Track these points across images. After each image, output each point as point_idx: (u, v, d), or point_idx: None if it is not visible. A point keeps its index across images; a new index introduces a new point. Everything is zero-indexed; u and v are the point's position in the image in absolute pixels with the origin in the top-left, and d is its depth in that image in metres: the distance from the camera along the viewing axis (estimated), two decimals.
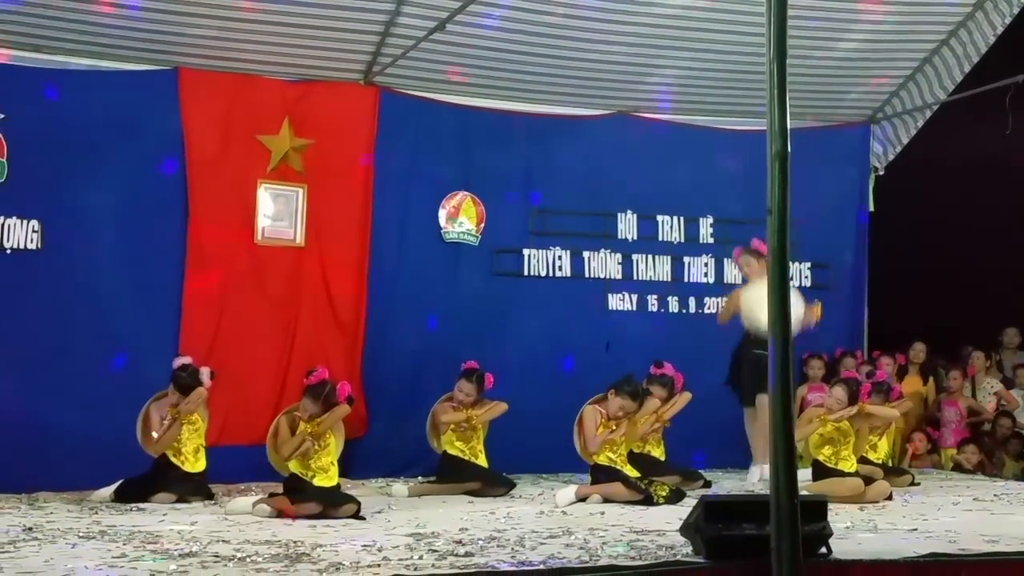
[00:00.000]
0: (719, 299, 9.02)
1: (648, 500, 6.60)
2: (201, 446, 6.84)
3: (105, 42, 7.30)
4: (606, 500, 6.66)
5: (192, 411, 6.76)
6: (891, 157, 9.58)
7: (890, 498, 6.91)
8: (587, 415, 6.97)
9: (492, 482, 7.19)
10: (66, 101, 7.25)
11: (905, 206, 9.47)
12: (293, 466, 6.18)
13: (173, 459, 6.72)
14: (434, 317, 8.24)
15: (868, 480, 6.96)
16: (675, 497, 6.71)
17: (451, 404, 7.31)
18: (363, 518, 5.94)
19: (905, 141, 9.46)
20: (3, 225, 7.08)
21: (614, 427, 6.90)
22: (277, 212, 7.87)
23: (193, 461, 6.77)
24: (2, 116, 7.09)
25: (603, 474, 6.86)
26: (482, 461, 7.31)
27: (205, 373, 6.83)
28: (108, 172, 7.34)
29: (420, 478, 7.57)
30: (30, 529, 5.36)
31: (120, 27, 7.19)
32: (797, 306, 6.51)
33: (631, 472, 6.92)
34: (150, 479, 6.65)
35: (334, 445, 6.29)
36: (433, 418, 7.34)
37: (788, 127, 4.05)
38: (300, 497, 6.02)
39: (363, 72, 8.05)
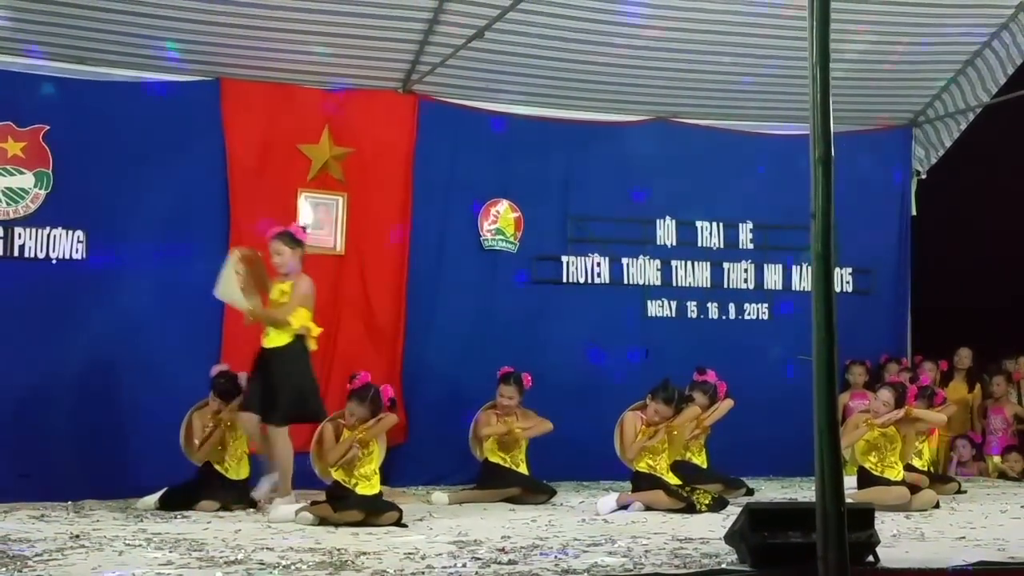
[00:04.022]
0: (760, 305, 8.99)
1: (690, 508, 6.56)
2: (244, 454, 6.88)
3: (148, 54, 7.38)
4: (647, 508, 6.63)
5: (234, 418, 6.80)
6: (933, 160, 9.50)
7: (937, 506, 6.83)
8: (627, 421, 6.95)
9: (533, 489, 7.19)
10: (110, 112, 7.34)
11: (948, 210, 9.36)
12: (336, 474, 6.20)
13: (217, 467, 6.77)
14: (473, 324, 8.24)
15: (914, 488, 6.88)
16: (718, 505, 6.66)
17: (495, 411, 7.31)
18: (405, 526, 5.95)
19: (948, 144, 9.38)
20: (49, 235, 7.18)
21: (652, 433, 6.87)
22: (317, 220, 7.91)
23: (236, 469, 6.82)
24: (48, 127, 7.19)
25: (645, 482, 6.83)
26: (523, 469, 7.31)
27: (244, 379, 6.87)
28: (151, 182, 7.41)
29: (460, 486, 7.58)
30: (77, 536, 5.41)
31: (163, 39, 7.26)
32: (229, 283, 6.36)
33: (673, 480, 6.88)
34: (194, 487, 6.69)
35: (377, 453, 6.31)
36: (476, 427, 7.34)
37: (831, 131, 4.02)
38: (342, 505, 6.04)
39: (402, 80, 8.08)
